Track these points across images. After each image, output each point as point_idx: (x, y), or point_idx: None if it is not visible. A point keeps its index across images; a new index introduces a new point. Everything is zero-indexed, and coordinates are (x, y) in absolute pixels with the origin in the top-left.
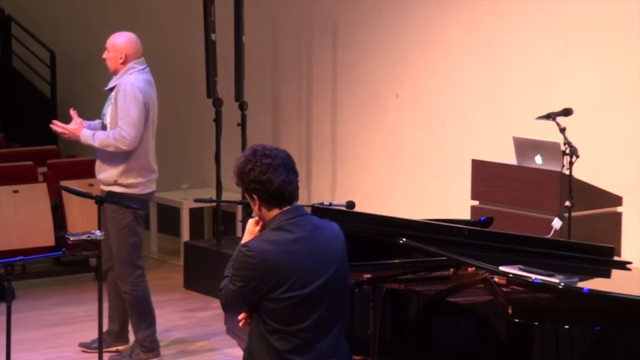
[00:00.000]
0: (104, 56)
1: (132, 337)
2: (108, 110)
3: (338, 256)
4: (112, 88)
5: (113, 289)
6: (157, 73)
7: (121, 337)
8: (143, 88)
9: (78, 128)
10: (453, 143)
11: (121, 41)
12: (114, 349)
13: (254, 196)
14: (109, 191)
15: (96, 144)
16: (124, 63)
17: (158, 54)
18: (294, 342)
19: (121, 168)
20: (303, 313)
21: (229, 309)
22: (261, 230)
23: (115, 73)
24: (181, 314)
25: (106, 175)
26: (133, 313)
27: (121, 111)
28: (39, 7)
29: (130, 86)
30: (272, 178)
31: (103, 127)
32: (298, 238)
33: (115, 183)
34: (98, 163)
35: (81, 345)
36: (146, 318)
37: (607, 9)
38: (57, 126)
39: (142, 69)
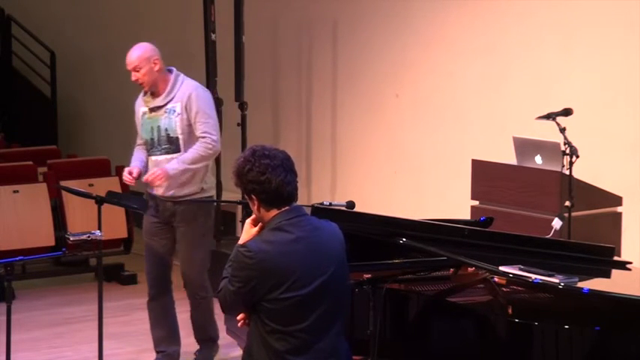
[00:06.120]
0: (134, 78)
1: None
2: (176, 123)
3: (337, 257)
4: (166, 103)
5: (166, 313)
6: None
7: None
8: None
9: (161, 173)
10: (453, 143)
11: (141, 52)
12: None
13: (253, 196)
14: (194, 198)
15: (188, 165)
16: (160, 70)
17: None
18: (293, 342)
19: (200, 175)
20: (302, 313)
21: (229, 310)
22: (259, 230)
23: (154, 86)
24: (181, 314)
25: (191, 188)
26: (211, 313)
27: (202, 115)
28: (39, 7)
29: (195, 88)
30: (270, 179)
31: (169, 140)
32: (297, 238)
33: (202, 190)
34: (173, 182)
35: None
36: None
37: (607, 9)
38: (151, 178)
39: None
